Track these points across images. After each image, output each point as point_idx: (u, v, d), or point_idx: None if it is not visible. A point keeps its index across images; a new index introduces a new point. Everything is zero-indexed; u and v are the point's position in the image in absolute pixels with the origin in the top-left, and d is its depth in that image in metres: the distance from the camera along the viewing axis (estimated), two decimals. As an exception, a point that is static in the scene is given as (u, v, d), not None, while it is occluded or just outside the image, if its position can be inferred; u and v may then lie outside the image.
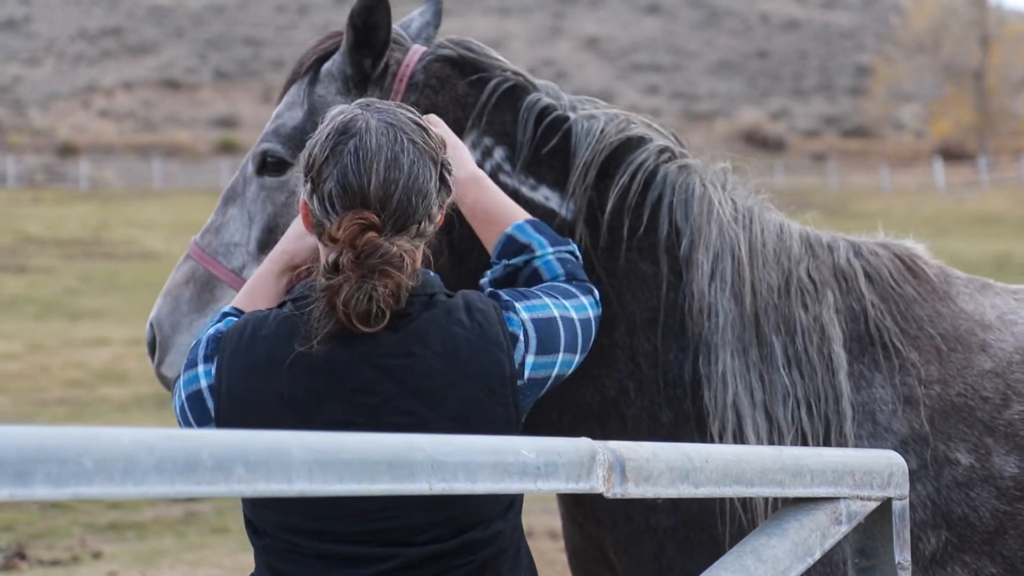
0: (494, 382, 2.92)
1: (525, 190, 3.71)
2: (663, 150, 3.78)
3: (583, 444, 2.21)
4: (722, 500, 3.46)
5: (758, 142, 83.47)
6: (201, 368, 3.00)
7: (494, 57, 3.82)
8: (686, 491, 2.36)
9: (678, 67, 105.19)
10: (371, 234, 2.85)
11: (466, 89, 3.76)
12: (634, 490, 2.27)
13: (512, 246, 3.43)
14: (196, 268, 3.75)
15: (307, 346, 2.85)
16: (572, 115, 3.76)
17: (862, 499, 2.72)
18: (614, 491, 2.24)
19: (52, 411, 16.86)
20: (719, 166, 3.86)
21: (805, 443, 3.55)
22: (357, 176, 2.89)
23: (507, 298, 3.09)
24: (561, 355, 3.12)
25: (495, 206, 3.49)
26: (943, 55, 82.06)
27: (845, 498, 2.70)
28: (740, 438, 3.54)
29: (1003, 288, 3.94)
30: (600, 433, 3.62)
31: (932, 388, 3.63)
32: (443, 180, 3.00)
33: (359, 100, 3.07)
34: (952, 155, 75.20)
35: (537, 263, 3.39)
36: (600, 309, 3.38)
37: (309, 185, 2.97)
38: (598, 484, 2.21)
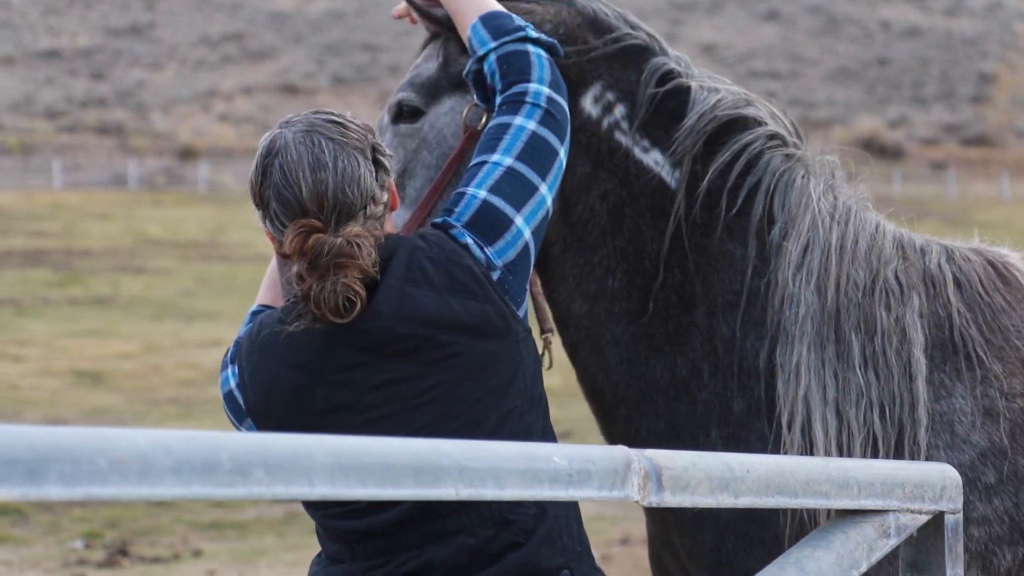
0: (472, 285, 3.08)
1: (637, 151, 3.71)
2: (773, 135, 3.75)
3: (618, 452, 2.21)
4: None
5: (876, 150, 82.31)
6: (229, 371, 3.21)
7: (629, 20, 3.83)
8: (726, 501, 2.35)
9: (796, 74, 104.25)
10: (315, 236, 3.01)
11: (594, 43, 3.76)
12: (671, 499, 2.26)
13: (469, 49, 3.54)
14: None
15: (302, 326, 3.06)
16: (694, 84, 3.76)
17: (913, 512, 2.68)
18: (650, 500, 2.24)
19: (164, 410, 17.16)
20: (827, 159, 3.82)
21: (876, 447, 3.49)
22: (289, 189, 3.06)
23: (440, 220, 3.21)
24: (519, 218, 3.22)
25: (456, 3, 3.61)
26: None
27: (895, 511, 2.66)
28: (808, 433, 3.48)
29: None
30: (665, 410, 3.63)
31: (1015, 401, 3.54)
32: (376, 162, 3.13)
33: (281, 120, 3.23)
34: (1076, 164, 73.76)
35: (484, 69, 3.49)
36: (546, 96, 3.38)
37: (260, 212, 3.16)
38: (633, 493, 2.21)
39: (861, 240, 3.68)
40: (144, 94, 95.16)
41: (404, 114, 3.74)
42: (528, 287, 3.26)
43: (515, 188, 3.23)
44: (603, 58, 3.75)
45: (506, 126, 3.32)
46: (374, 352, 3.03)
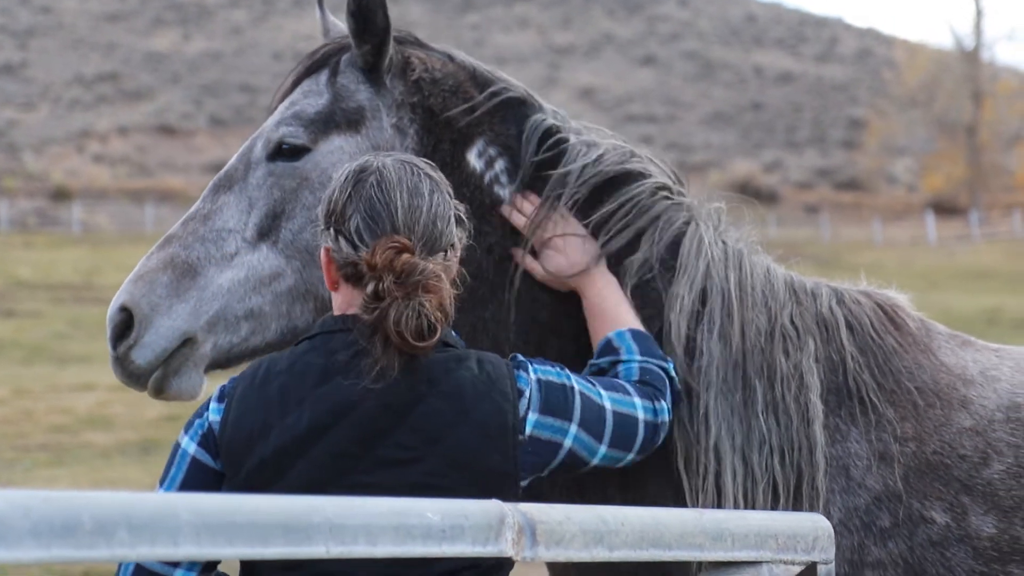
0: (493, 429, 2.94)
1: None
2: (660, 187, 3.78)
3: (491, 506, 2.19)
4: None
5: (751, 193, 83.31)
6: (212, 406, 3.04)
7: (503, 76, 3.86)
8: (600, 555, 2.33)
9: (672, 118, 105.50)
10: (407, 255, 2.93)
11: (479, 98, 3.77)
12: (545, 553, 2.24)
13: (607, 349, 3.49)
14: (177, 254, 3.63)
15: (361, 384, 2.92)
16: (573, 138, 3.78)
17: (786, 563, 2.69)
18: (524, 555, 2.22)
19: (34, 456, 16.77)
20: (713, 206, 3.85)
21: (776, 493, 3.50)
22: (383, 204, 2.99)
23: (522, 359, 3.14)
24: (574, 427, 3.12)
25: (612, 305, 3.58)
26: (936, 110, 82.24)
27: (768, 562, 2.67)
28: (719, 483, 3.49)
29: (984, 345, 3.87)
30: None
31: (907, 445, 3.55)
32: (458, 218, 3.10)
33: (372, 152, 3.28)
34: (944, 209, 75.32)
35: (620, 368, 3.43)
36: (663, 418, 3.36)
37: (332, 231, 3.04)
38: (507, 548, 2.19)
39: (757, 284, 3.71)
40: (16, 134, 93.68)
41: (284, 152, 3.65)
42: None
43: (589, 413, 3.17)
44: (485, 113, 3.76)
45: (624, 390, 3.30)
46: (366, 444, 2.91)
